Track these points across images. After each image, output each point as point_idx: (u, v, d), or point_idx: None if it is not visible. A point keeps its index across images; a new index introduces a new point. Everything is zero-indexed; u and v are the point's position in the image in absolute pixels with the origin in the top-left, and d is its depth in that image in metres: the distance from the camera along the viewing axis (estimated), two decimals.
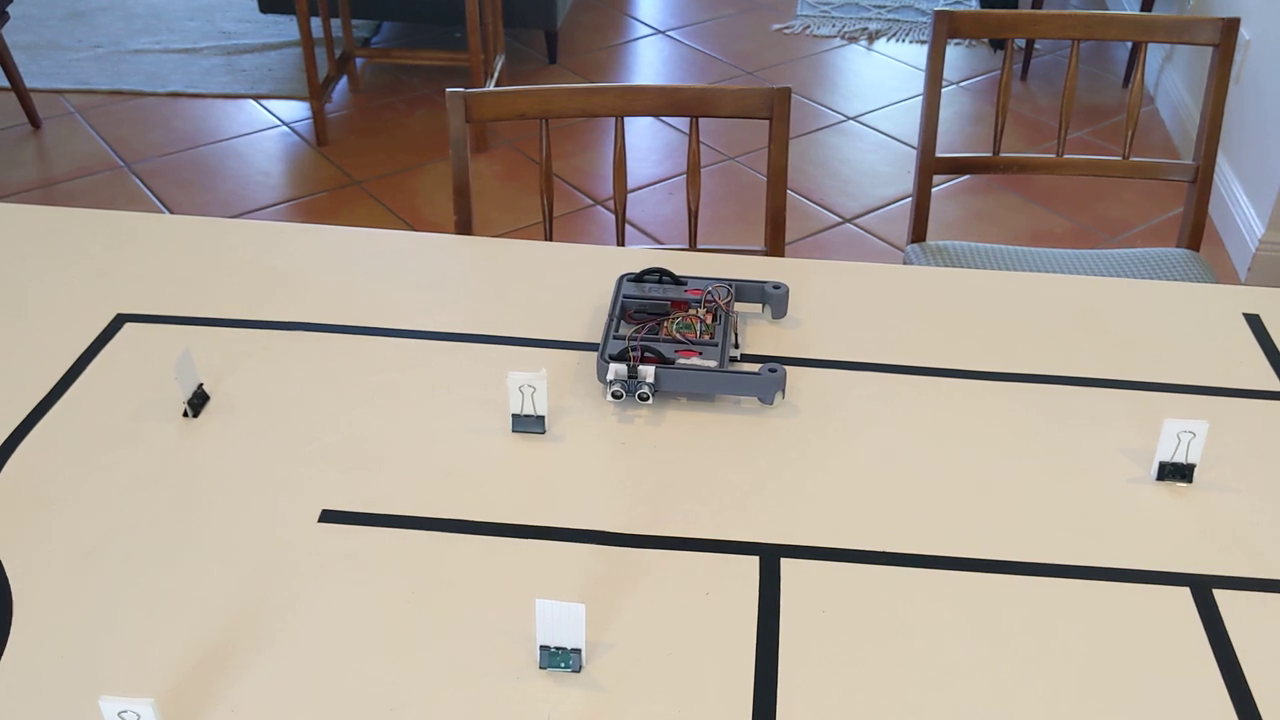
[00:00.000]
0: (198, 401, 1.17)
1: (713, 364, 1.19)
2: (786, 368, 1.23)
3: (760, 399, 1.19)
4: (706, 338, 1.23)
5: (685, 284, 1.30)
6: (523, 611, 0.96)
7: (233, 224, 1.49)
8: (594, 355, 1.26)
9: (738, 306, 1.33)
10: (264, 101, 3.66)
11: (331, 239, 1.46)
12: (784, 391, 1.19)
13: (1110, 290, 1.39)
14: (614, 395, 1.17)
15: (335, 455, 1.12)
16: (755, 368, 1.21)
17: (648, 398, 1.17)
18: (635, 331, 1.23)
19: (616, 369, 1.17)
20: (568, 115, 1.64)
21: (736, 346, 1.25)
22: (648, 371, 1.17)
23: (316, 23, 4.02)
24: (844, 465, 1.12)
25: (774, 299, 1.31)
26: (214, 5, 4.29)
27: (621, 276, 1.30)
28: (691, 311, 1.26)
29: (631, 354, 1.19)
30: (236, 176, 3.25)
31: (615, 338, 1.22)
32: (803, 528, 1.05)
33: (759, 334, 1.30)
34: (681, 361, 1.19)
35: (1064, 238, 2.99)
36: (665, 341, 1.22)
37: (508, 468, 1.11)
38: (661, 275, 1.30)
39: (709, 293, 1.27)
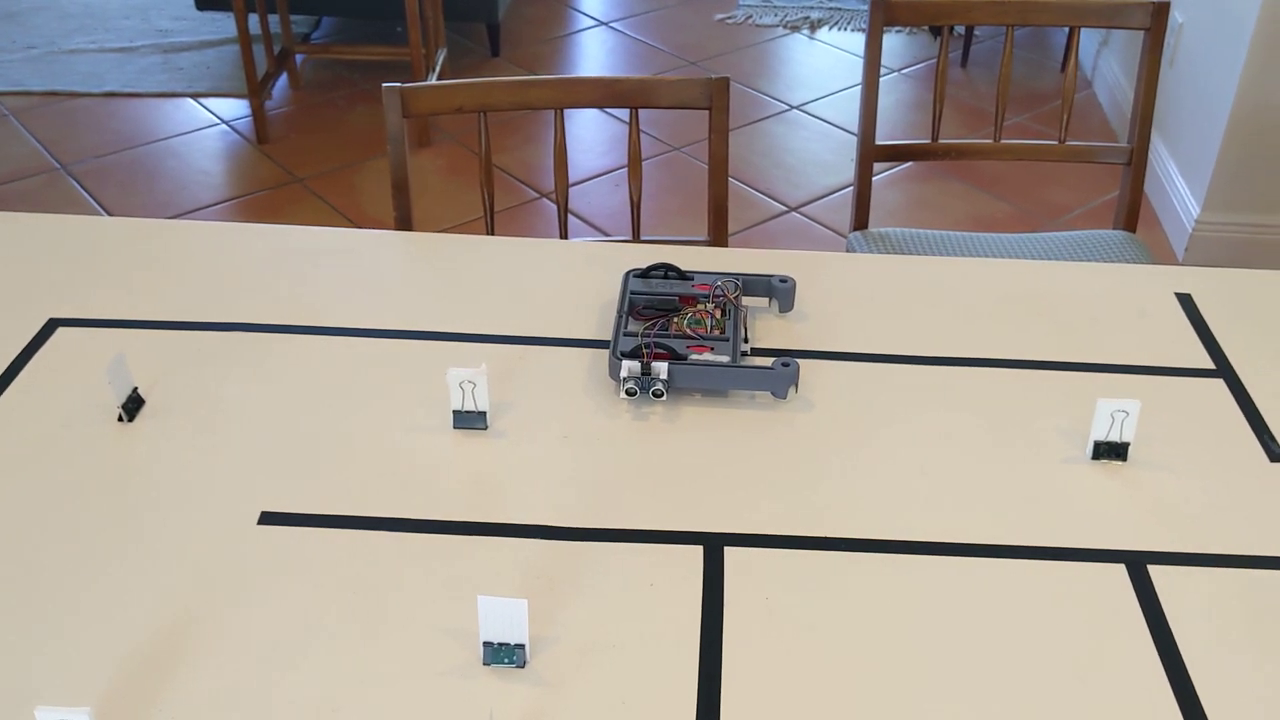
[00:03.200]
0: (132, 406, 1.15)
1: (725, 359, 1.19)
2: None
3: (773, 393, 1.19)
4: (717, 333, 1.22)
5: (692, 279, 1.30)
6: (466, 608, 0.96)
7: (169, 224, 1.47)
8: (577, 350, 1.26)
9: (744, 301, 1.32)
10: (202, 100, 3.61)
11: (270, 237, 1.44)
12: (797, 385, 1.19)
13: (1045, 273, 1.40)
14: (628, 392, 1.17)
15: (274, 456, 1.11)
16: (768, 362, 1.21)
17: (662, 394, 1.17)
18: (647, 328, 1.22)
19: (630, 366, 1.17)
20: (506, 108, 1.63)
21: (746, 341, 1.25)
22: (661, 368, 1.16)
23: (257, 19, 3.97)
24: (778, 451, 1.13)
25: (780, 293, 1.31)
26: (150, 3, 4.23)
27: (628, 272, 1.30)
28: (701, 307, 1.25)
29: (645, 350, 1.19)
30: (176, 176, 3.20)
31: (626, 334, 1.22)
32: (746, 516, 1.05)
33: (765, 328, 1.30)
34: (694, 357, 1.19)
35: (1005, 222, 3.03)
36: (676, 338, 1.22)
37: (450, 465, 1.11)
38: (668, 270, 1.30)
39: (717, 287, 1.27)
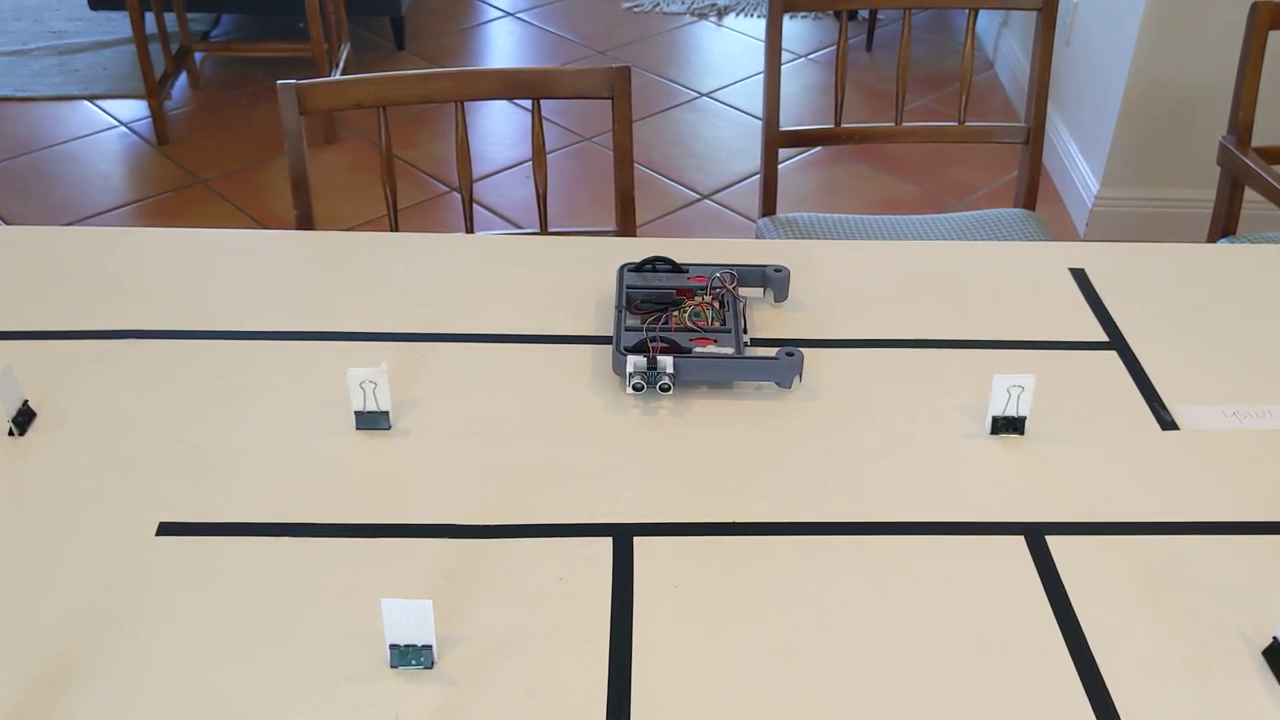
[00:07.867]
0: (23, 419, 1.12)
1: (730, 351, 1.19)
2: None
3: (778, 383, 1.19)
4: (718, 325, 1.22)
5: (687, 271, 1.30)
6: (372, 612, 0.95)
7: (63, 231, 1.43)
8: (481, 345, 1.25)
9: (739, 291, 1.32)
10: (100, 102, 3.52)
11: (167, 241, 1.41)
12: (801, 375, 1.19)
13: (943, 254, 1.43)
14: (635, 388, 1.16)
15: (171, 466, 1.09)
16: (772, 352, 1.20)
17: (669, 388, 1.17)
18: (651, 323, 1.22)
19: (635, 361, 1.16)
20: (405, 103, 1.62)
21: (745, 332, 1.25)
22: (666, 362, 1.16)
23: (152, 18, 3.87)
24: (677, 438, 1.13)
25: (775, 282, 1.31)
26: (43, 4, 4.11)
27: (622, 266, 1.29)
28: (700, 299, 1.25)
29: (651, 345, 1.18)
30: (74, 181, 3.12)
31: (627, 329, 1.21)
32: (653, 505, 1.05)
33: (761, 318, 1.30)
34: (698, 350, 1.19)
35: (912, 204, 3.07)
36: (678, 331, 1.21)
37: (353, 467, 1.09)
38: (656, 264, 1.29)
39: (715, 279, 1.27)
